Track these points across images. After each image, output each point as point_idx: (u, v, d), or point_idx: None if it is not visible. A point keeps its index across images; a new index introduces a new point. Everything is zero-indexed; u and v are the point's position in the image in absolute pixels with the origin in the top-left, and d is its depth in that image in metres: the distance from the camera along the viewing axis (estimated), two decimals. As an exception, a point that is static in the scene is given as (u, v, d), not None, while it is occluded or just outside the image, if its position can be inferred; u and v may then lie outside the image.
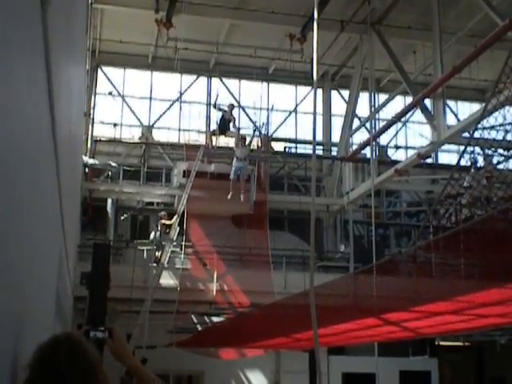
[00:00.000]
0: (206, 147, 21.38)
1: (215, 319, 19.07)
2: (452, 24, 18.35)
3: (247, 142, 20.47)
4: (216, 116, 22.04)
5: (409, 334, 11.30)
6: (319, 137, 24.80)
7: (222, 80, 24.68)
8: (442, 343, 21.66)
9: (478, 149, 10.69)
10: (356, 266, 19.67)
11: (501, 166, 13.53)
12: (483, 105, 11.10)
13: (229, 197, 19.53)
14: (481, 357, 23.50)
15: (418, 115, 22.07)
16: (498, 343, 19.92)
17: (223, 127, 21.15)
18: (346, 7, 19.53)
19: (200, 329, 18.79)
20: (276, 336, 13.35)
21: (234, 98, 24.49)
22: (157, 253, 19.58)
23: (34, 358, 2.60)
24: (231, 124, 21.17)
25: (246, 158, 20.41)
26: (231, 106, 21.54)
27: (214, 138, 21.63)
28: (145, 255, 20.07)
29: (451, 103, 24.94)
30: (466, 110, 25.13)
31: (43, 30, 3.21)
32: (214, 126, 22.10)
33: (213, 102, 21.90)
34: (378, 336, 11.99)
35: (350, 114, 21.96)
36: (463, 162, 13.95)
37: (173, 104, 24.53)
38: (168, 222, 19.73)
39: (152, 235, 20.11)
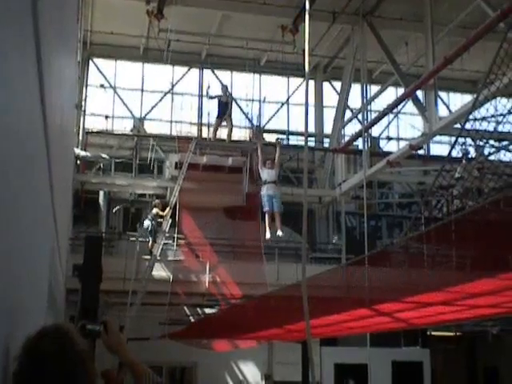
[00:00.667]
0: (214, 139, 21.60)
1: (208, 311, 19.12)
2: (444, 15, 18.33)
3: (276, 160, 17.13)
4: (210, 106, 22.29)
5: (401, 325, 11.35)
6: (311, 128, 24.81)
7: (213, 72, 24.65)
8: (433, 333, 21.78)
9: (469, 140, 10.73)
10: (348, 257, 19.72)
11: (492, 157, 13.58)
12: (475, 96, 11.12)
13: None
14: (473, 347, 23.64)
15: (409, 106, 22.10)
16: (490, 333, 20.04)
17: (224, 111, 21.38)
18: (338, -2, 19.51)
19: (193, 320, 18.83)
20: (268, 327, 13.38)
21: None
22: (150, 241, 19.60)
23: (22, 350, 2.60)
24: (229, 105, 21.49)
25: (277, 183, 17.22)
26: (225, 88, 21.76)
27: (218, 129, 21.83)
28: (137, 247, 20.06)
29: (443, 94, 24.96)
30: (457, 101, 25.17)
31: (34, 21, 3.20)
32: (213, 117, 22.25)
33: (205, 93, 22.14)
34: (369, 327, 12.03)
35: (342, 105, 21.96)
36: (455, 154, 13.99)
37: (164, 96, 24.49)
38: (161, 213, 19.70)
39: (146, 223, 20.02)
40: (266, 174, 16.90)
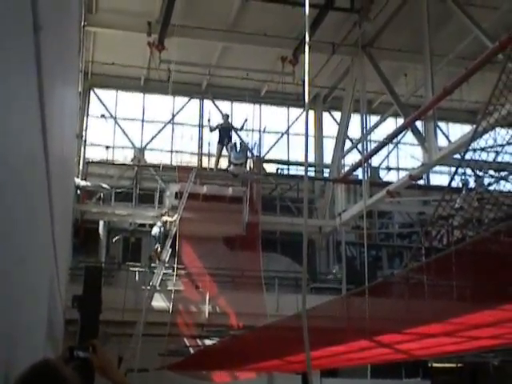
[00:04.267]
0: (217, 168, 21.72)
1: (208, 342, 18.98)
2: (442, 46, 18.49)
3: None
4: (210, 137, 22.47)
5: (401, 356, 11.26)
6: (311, 158, 24.87)
7: (214, 102, 24.77)
8: (434, 365, 21.60)
9: (469, 170, 10.75)
10: (348, 288, 19.63)
11: (492, 188, 13.59)
12: (474, 126, 11.15)
13: None
14: (474, 378, 23.41)
15: (409, 137, 22.17)
16: (491, 364, 19.88)
17: (224, 138, 21.53)
18: (338, 30, 19.68)
19: (192, 352, 18.69)
20: (269, 358, 13.27)
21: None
22: (157, 248, 19.72)
23: None
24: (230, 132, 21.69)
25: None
26: (226, 116, 21.95)
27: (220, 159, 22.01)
28: (137, 277, 19.99)
29: (442, 125, 25.06)
30: (457, 131, 25.25)
31: (35, 52, 3.23)
32: (214, 146, 22.40)
33: (206, 124, 22.41)
34: (370, 358, 11.94)
35: (342, 135, 22.04)
36: (455, 184, 13.99)
37: (165, 126, 24.58)
38: (170, 220, 19.76)
39: (154, 230, 20.04)
40: None
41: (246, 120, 22.01)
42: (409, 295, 7.26)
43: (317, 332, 7.77)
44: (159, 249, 19.74)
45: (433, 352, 10.78)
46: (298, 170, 24.44)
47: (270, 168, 24.56)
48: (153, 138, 24.47)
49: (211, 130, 21.89)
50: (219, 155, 21.99)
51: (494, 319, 6.64)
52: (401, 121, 19.47)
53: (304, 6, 7.54)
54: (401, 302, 7.46)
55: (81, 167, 22.03)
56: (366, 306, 7.51)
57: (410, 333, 7.91)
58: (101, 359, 3.35)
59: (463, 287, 6.74)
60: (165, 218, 20.05)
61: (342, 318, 8.58)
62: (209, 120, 22.01)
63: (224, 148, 21.89)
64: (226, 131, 21.70)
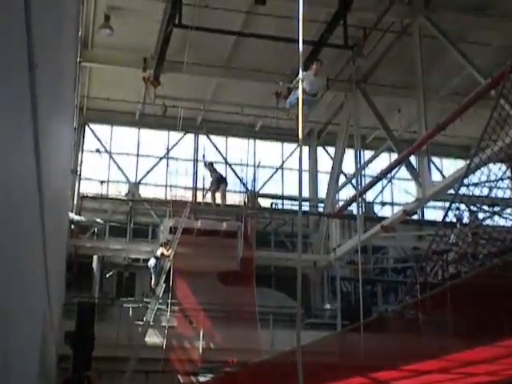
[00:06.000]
0: (214, 202, 21.64)
1: (201, 378, 18.79)
2: (436, 82, 18.66)
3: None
4: (205, 172, 22.45)
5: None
6: (306, 193, 24.89)
7: (208, 137, 24.86)
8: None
9: (463, 205, 10.76)
10: (344, 324, 19.51)
11: (486, 223, 13.60)
12: (468, 161, 11.20)
13: None
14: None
15: (403, 172, 22.24)
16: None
17: (218, 184, 21.57)
18: (331, 66, 19.82)
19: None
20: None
21: (220, 154, 24.76)
22: (152, 279, 19.71)
23: None
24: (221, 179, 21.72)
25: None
26: (210, 165, 21.95)
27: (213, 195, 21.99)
28: (130, 313, 19.84)
29: (436, 160, 25.15)
30: (450, 166, 25.35)
31: (31, 89, 3.24)
32: (208, 182, 22.40)
33: (200, 159, 22.39)
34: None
35: (336, 170, 22.10)
36: (449, 219, 13.97)
37: (160, 160, 24.63)
38: (166, 253, 19.62)
39: (151, 262, 19.92)
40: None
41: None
42: (404, 331, 7.22)
43: (311, 368, 7.71)
44: (153, 282, 19.66)
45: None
46: (293, 205, 24.43)
47: (264, 203, 24.56)
48: (147, 173, 24.49)
49: (208, 167, 21.96)
50: (214, 192, 21.94)
51: (489, 355, 6.60)
52: (395, 156, 19.55)
53: (298, 42, 7.62)
54: (396, 339, 7.42)
55: (75, 201, 21.98)
56: (361, 342, 7.47)
57: (406, 369, 7.85)
58: None
59: (458, 323, 6.72)
60: (160, 250, 19.93)
61: (337, 354, 8.52)
62: (203, 156, 22.08)
63: (220, 186, 21.90)
64: (217, 179, 21.76)
